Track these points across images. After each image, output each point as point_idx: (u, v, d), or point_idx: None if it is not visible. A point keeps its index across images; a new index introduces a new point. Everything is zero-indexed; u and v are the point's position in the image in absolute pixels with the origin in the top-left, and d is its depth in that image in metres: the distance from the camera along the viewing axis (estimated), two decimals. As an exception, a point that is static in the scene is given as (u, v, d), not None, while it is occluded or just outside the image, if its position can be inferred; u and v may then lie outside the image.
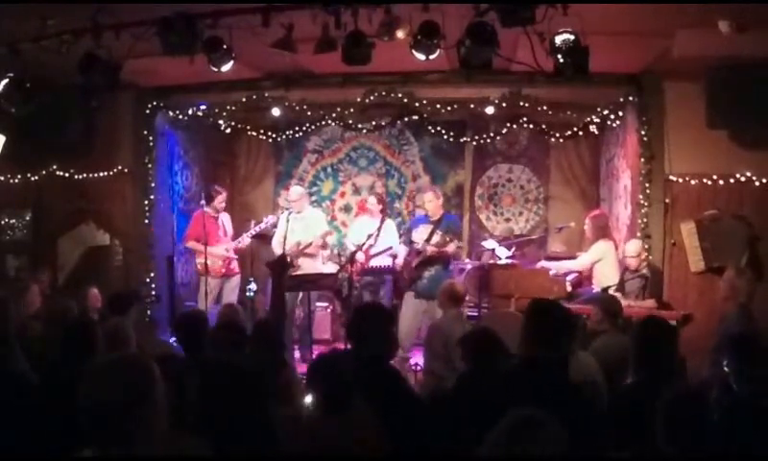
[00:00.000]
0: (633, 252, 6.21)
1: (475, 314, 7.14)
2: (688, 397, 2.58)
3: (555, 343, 3.11)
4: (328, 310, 8.05)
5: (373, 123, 7.88)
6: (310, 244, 7.20)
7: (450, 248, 6.87)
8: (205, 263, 7.21)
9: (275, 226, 7.52)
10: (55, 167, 7.49)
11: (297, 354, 7.03)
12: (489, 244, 7.92)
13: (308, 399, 2.86)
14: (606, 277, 6.40)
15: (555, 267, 6.86)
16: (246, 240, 7.60)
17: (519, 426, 1.99)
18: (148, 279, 7.50)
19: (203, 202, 7.37)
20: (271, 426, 2.86)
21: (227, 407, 2.76)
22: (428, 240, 6.88)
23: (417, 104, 7.23)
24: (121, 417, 1.93)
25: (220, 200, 7.53)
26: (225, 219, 7.65)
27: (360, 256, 7.18)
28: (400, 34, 4.59)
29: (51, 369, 3.54)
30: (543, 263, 7.11)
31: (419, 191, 8.97)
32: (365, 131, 8.09)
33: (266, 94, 7.32)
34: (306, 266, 7.22)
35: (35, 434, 2.92)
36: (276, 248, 7.43)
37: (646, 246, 6.38)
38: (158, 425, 2.01)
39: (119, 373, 2.00)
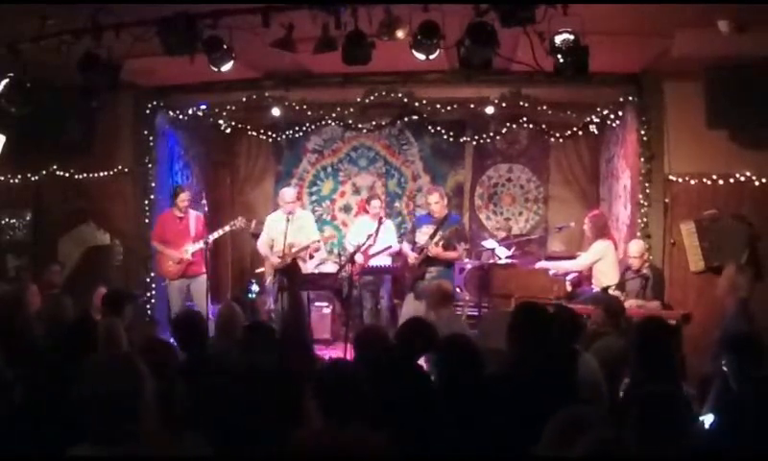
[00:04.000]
0: (635, 252, 6.15)
1: (475, 314, 7.14)
2: (662, 396, 2.55)
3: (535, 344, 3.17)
4: (328, 310, 8.05)
5: (373, 123, 7.89)
6: (307, 247, 7.22)
7: (457, 252, 6.90)
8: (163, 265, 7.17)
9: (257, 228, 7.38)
10: (55, 167, 7.50)
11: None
12: (489, 244, 7.93)
13: None
14: (605, 276, 6.39)
15: (554, 267, 6.85)
16: (209, 241, 7.18)
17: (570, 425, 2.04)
18: (148, 279, 7.51)
19: (202, 202, 7.35)
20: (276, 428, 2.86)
21: (240, 409, 2.76)
22: (431, 239, 6.86)
23: (417, 104, 7.24)
24: (111, 414, 1.98)
25: (182, 198, 7.13)
26: (193, 219, 7.23)
27: (359, 257, 7.17)
28: (400, 33, 4.58)
29: (49, 368, 3.54)
30: (543, 263, 7.11)
31: (419, 191, 8.99)
32: (365, 130, 8.10)
33: (266, 94, 7.33)
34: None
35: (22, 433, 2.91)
36: (263, 249, 7.41)
37: (647, 246, 6.37)
38: (148, 424, 2.05)
39: (108, 370, 2.06)
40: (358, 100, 7.27)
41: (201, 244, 7.14)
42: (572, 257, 7.20)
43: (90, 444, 2.00)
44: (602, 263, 6.57)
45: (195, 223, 7.25)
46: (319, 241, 7.52)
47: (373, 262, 7.27)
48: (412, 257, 6.99)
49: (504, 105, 7.13)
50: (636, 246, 6.20)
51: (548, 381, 3.18)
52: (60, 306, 4.91)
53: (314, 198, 9.34)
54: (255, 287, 8.15)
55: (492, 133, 8.05)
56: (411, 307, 6.80)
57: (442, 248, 6.81)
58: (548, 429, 2.18)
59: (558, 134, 7.76)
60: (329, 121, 7.74)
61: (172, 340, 4.43)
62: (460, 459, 2.93)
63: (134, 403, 2.02)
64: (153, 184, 7.57)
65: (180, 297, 7.18)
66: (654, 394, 2.53)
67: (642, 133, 6.49)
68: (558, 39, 4.40)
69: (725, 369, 3.46)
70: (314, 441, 2.72)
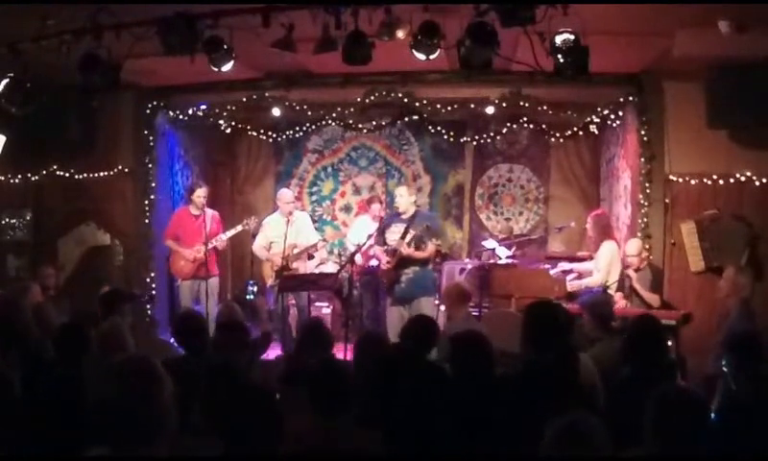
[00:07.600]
0: (634, 251, 6.16)
1: (476, 314, 7.13)
2: (680, 395, 2.55)
3: (551, 344, 3.15)
4: (328, 310, 8.05)
5: (374, 123, 7.90)
6: (314, 246, 7.23)
7: (428, 251, 6.53)
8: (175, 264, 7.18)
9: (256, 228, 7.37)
10: (55, 167, 7.49)
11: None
12: (489, 244, 7.92)
13: None
14: (610, 276, 6.38)
15: (573, 284, 6.52)
16: (221, 242, 7.21)
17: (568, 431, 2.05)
18: (148, 279, 7.51)
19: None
20: (276, 428, 2.86)
21: (230, 409, 2.77)
22: (402, 239, 6.50)
23: (417, 104, 7.24)
24: (129, 416, 1.95)
25: (198, 194, 7.05)
26: (209, 218, 7.15)
27: (359, 258, 7.16)
28: (400, 34, 4.59)
29: (44, 369, 3.55)
30: (559, 273, 6.75)
31: (419, 191, 8.98)
32: (365, 131, 8.11)
33: (266, 94, 7.33)
34: (299, 268, 7.26)
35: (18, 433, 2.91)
36: (260, 252, 7.39)
37: (646, 246, 6.36)
38: (168, 426, 2.03)
39: (126, 373, 2.03)
40: (358, 100, 7.27)
41: (213, 243, 7.10)
42: (573, 258, 7.20)
43: (110, 446, 1.98)
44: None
45: (210, 222, 7.18)
46: (324, 240, 7.53)
47: (373, 262, 7.26)
48: (384, 261, 6.66)
49: (504, 105, 7.13)
50: (634, 245, 6.18)
51: (554, 382, 3.19)
52: (47, 310, 4.92)
53: (314, 198, 9.35)
54: (254, 288, 8.14)
55: (492, 134, 8.07)
56: (391, 315, 6.53)
57: (414, 247, 6.47)
58: (548, 434, 2.18)
59: (558, 134, 7.77)
60: (329, 121, 7.75)
61: (172, 340, 4.44)
62: (466, 456, 2.94)
63: (152, 406, 2.00)
64: (153, 184, 7.56)
65: (191, 297, 7.15)
66: (673, 393, 2.53)
67: (642, 133, 6.49)
68: (558, 39, 4.40)
69: (724, 369, 3.47)
70: (304, 436, 2.73)
